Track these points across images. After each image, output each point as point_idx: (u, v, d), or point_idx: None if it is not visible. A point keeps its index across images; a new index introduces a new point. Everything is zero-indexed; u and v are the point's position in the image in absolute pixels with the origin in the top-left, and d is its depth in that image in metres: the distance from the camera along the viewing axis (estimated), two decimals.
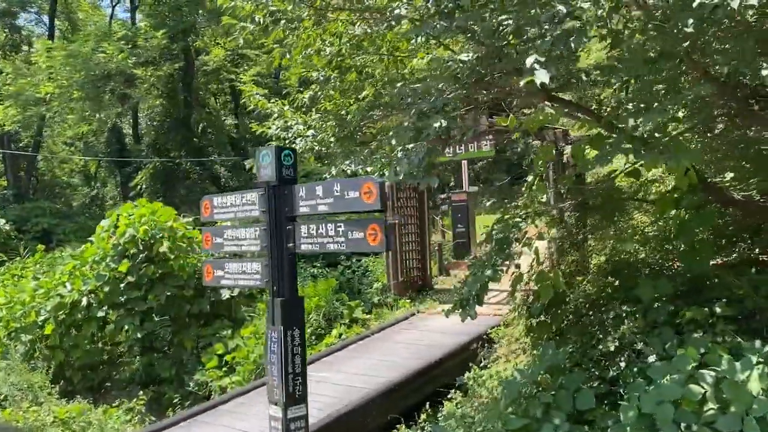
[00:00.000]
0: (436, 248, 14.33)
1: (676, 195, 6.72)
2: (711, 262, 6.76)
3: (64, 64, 21.92)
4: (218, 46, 29.20)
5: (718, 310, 5.91)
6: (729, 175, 7.22)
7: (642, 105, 4.50)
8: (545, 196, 7.32)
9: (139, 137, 29.91)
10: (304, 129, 7.60)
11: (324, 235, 3.31)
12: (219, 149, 28.40)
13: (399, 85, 7.07)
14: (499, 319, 10.63)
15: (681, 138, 5.04)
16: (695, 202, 7.01)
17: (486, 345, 9.85)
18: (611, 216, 7.14)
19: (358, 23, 6.90)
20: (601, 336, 6.98)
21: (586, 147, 6.62)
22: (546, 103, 6.76)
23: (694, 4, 4.23)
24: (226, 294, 11.80)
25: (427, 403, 8.73)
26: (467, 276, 6.50)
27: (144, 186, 25.48)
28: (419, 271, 13.55)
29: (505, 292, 12.76)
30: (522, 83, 3.97)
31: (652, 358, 5.80)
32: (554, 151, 9.49)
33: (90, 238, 12.08)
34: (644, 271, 7.17)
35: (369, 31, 6.94)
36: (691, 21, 4.08)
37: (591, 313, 7.13)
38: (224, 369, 10.52)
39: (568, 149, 10.45)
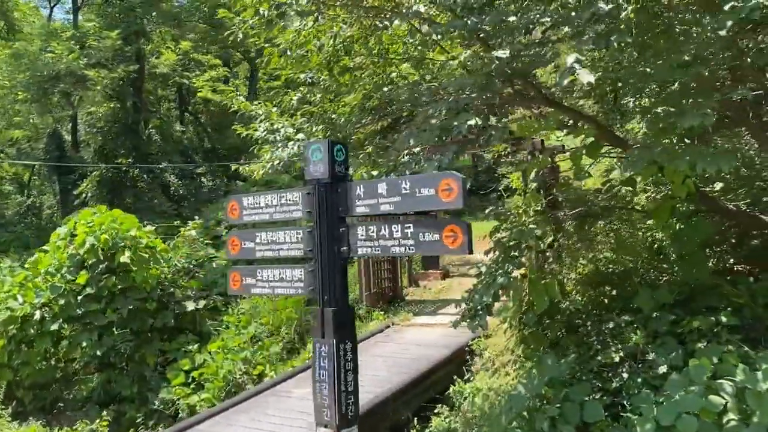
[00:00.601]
0: (406, 258, 14.09)
1: (672, 204, 6.69)
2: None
3: (6, 63, 20.69)
4: (169, 49, 28.33)
5: (723, 319, 5.86)
6: (719, 185, 7.27)
7: (672, 109, 4.39)
8: (540, 204, 7.20)
9: (77, 143, 28.53)
10: (292, 132, 7.25)
11: (387, 237, 2.99)
12: (169, 157, 27.44)
13: (400, 84, 6.86)
14: (478, 330, 10.44)
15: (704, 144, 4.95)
16: (688, 211, 7.04)
17: (469, 357, 9.67)
18: (610, 224, 7.09)
19: (354, 22, 6.64)
20: (599, 347, 6.88)
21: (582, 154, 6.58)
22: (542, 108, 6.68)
23: (727, 7, 4.16)
24: (190, 306, 11.21)
25: (415, 418, 8.45)
26: (476, 285, 6.29)
27: (89, 194, 24.28)
28: (390, 281, 13.27)
29: None
30: (565, 82, 3.78)
31: (662, 369, 5.71)
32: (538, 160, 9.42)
33: (45, 247, 11.27)
34: (637, 280, 7.12)
35: (364, 30, 6.70)
36: (729, 23, 3.99)
37: (589, 323, 7.01)
38: (192, 386, 9.94)
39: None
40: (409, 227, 2.89)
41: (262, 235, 3.53)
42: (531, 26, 4.25)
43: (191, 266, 12.19)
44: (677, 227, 6.89)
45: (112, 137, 24.77)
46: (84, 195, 24.14)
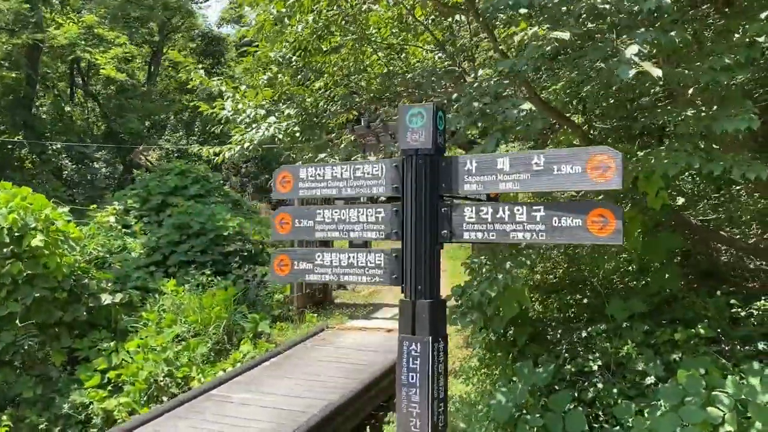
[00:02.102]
0: None
1: (640, 216, 6.74)
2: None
3: None
4: (71, 21, 26.08)
5: (702, 331, 5.93)
6: (680, 200, 7.47)
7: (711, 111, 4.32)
8: None
9: None
10: (261, 114, 6.63)
11: (506, 221, 2.57)
12: (63, 138, 25.16)
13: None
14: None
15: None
16: (652, 224, 7.14)
17: None
18: None
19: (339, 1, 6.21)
20: (566, 355, 6.81)
21: None
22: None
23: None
24: (106, 300, 10.11)
25: (368, 427, 8.04)
26: (469, 281, 5.99)
27: None
28: (320, 283, 12.74)
29: None
30: (630, 74, 3.57)
31: (649, 380, 5.68)
32: None
33: None
34: (604, 290, 7.13)
35: (348, 11, 6.27)
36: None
37: (560, 331, 6.92)
38: (108, 388, 8.91)
39: None
40: (539, 209, 2.49)
41: (325, 213, 2.99)
42: (582, 11, 4.03)
43: (107, 256, 11.02)
44: (644, 238, 6.97)
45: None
46: None
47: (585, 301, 7.01)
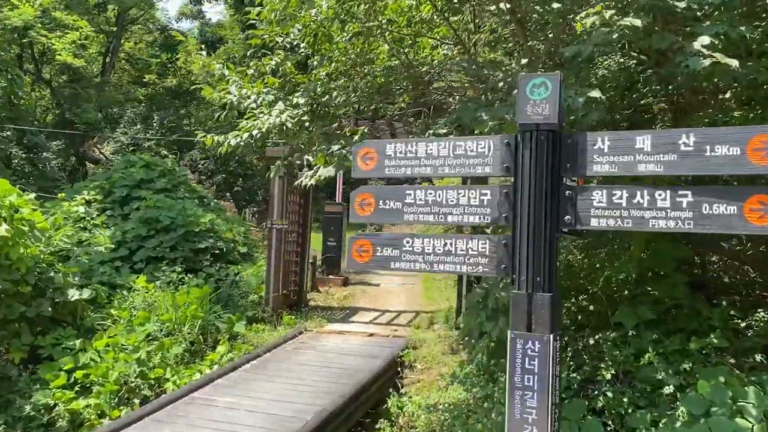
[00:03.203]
0: (310, 261, 13.21)
1: None
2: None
3: None
4: (26, 2, 24.76)
5: (715, 341, 5.88)
6: None
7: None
8: None
9: None
10: (267, 101, 6.27)
11: (645, 207, 2.32)
12: (14, 124, 23.85)
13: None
14: (403, 340, 9.95)
15: None
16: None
17: (402, 368, 9.12)
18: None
19: None
20: (572, 363, 6.67)
21: None
22: None
23: None
24: (74, 295, 9.47)
25: None
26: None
27: None
28: (296, 284, 12.34)
29: (392, 312, 12.14)
30: (704, 64, 3.43)
31: (668, 389, 5.57)
32: None
33: None
34: (603, 296, 7.03)
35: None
36: None
37: (566, 338, 6.78)
38: (76, 389, 8.31)
39: None
40: (686, 194, 2.26)
41: (417, 193, 2.68)
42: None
43: (75, 248, 10.34)
44: (651, 246, 6.92)
45: None
46: None
47: (591, 308, 6.88)
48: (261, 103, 6.16)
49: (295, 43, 6.60)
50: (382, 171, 2.74)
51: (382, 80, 6.91)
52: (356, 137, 5.84)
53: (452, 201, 2.64)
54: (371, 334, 10.41)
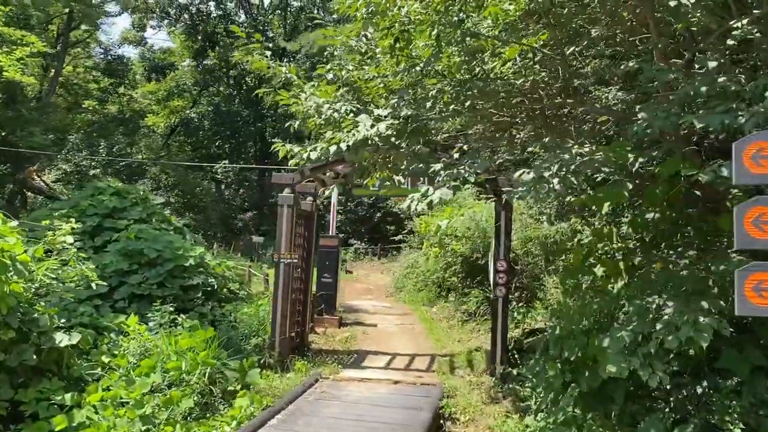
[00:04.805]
0: (310, 299, 12.12)
1: None
2: None
3: None
4: None
5: None
6: None
7: None
8: (615, 238, 6.23)
9: None
10: (346, 110, 5.41)
11: None
12: None
13: None
14: (435, 389, 9.05)
15: None
16: None
17: (444, 420, 8.22)
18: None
19: None
20: (674, 416, 5.96)
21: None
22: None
23: None
24: (63, 341, 8.10)
25: None
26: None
27: None
28: (299, 325, 11.24)
29: (404, 356, 11.17)
30: None
31: None
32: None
33: None
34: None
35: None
36: None
37: (668, 386, 6.05)
38: None
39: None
40: None
41: None
42: None
43: (59, 284, 8.92)
44: None
45: None
46: None
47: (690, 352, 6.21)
48: (344, 114, 5.30)
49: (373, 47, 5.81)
50: None
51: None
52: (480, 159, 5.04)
53: None
54: (396, 382, 9.44)
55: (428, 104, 5.42)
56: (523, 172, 4.34)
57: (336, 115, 5.25)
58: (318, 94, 5.69)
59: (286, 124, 6.30)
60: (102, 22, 40.99)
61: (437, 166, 4.98)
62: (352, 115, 5.38)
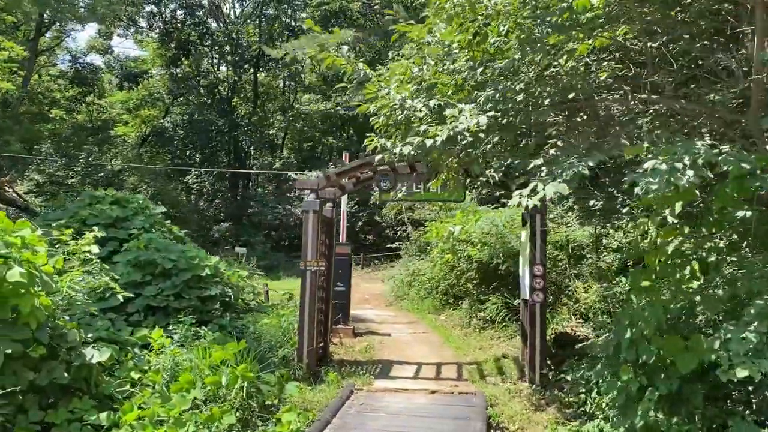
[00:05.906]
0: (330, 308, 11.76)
1: None
2: None
3: None
4: None
5: None
6: None
7: None
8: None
9: None
10: (428, 109, 5.19)
11: None
12: None
13: None
14: (477, 397, 8.82)
15: None
16: None
17: (492, 430, 8.00)
18: None
19: None
20: (756, 418, 5.84)
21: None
22: None
23: None
24: (94, 357, 7.63)
25: None
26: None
27: None
28: (321, 336, 10.89)
29: (429, 365, 10.91)
30: None
31: None
32: None
33: None
34: None
35: None
36: None
37: (751, 387, 5.91)
38: None
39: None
40: None
41: None
42: None
43: (85, 298, 8.41)
44: None
45: None
46: None
47: None
48: (433, 110, 5.07)
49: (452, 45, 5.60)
50: None
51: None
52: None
53: None
54: (433, 392, 9.18)
55: (519, 98, 5.21)
56: (654, 162, 4.17)
57: (425, 109, 5.02)
58: (394, 91, 5.45)
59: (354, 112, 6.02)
60: (72, 29, 40.01)
61: (537, 162, 4.78)
62: (437, 109, 5.17)
